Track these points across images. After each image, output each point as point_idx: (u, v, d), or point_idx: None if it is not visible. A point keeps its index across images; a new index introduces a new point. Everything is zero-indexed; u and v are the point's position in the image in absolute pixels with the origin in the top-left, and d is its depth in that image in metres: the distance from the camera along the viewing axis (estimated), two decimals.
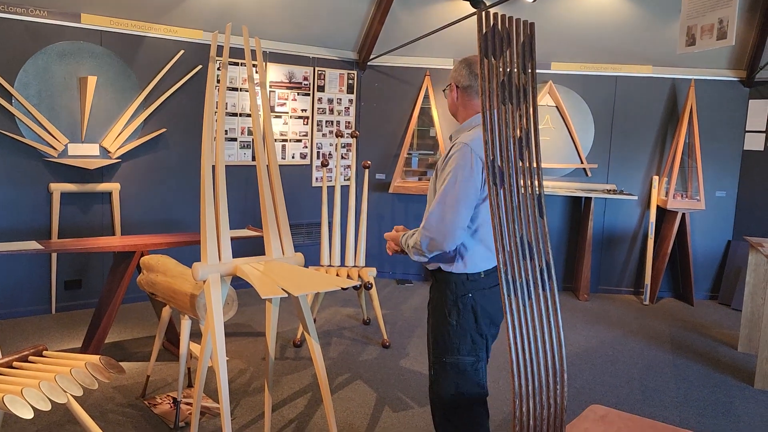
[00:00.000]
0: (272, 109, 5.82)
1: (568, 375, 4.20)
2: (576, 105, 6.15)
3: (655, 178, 6.15)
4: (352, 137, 4.84)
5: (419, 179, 6.40)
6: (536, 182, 1.86)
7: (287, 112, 5.93)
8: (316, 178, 6.20)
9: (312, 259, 6.06)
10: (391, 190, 6.19)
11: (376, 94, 6.36)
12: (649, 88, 6.11)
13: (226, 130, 5.49)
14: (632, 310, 5.78)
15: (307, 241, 6.19)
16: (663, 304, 6.03)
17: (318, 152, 6.18)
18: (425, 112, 6.32)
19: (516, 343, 1.80)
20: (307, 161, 6.13)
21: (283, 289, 2.59)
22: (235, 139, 5.63)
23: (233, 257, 2.83)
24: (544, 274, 1.85)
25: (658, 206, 6.13)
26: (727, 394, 3.96)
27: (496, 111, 1.79)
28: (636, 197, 6.04)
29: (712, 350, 4.77)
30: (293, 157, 6.03)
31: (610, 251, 6.29)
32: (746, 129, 6.07)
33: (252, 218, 5.61)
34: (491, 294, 2.33)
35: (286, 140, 5.95)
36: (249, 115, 5.60)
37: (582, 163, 6.18)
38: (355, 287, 4.86)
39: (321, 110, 6.13)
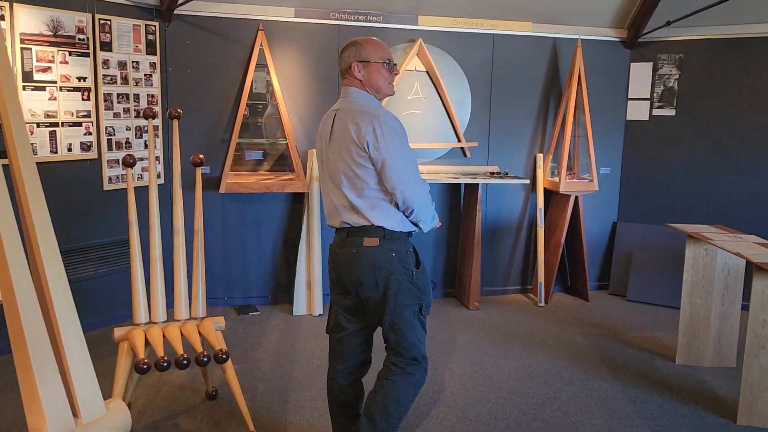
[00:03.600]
0: (28, 77, 3.79)
1: (472, 407, 3.04)
2: (450, 70, 4.97)
3: (539, 156, 5.24)
4: (171, 118, 3.12)
5: (255, 171, 4.79)
6: None
7: (54, 82, 3.93)
8: (111, 178, 4.28)
9: (119, 295, 4.23)
10: (222, 190, 4.49)
11: (189, 55, 4.57)
12: (530, 49, 5.13)
13: None
14: (530, 316, 4.83)
15: (102, 270, 4.29)
16: (558, 303, 5.18)
17: (110, 140, 4.26)
18: (261, 81, 4.70)
19: None
20: (92, 154, 4.18)
21: None
22: None
23: None
24: None
25: (545, 189, 5.23)
26: None
27: None
28: (528, 181, 5.07)
29: (646, 365, 3.93)
30: (70, 150, 4.05)
31: (494, 245, 5.28)
32: (628, 96, 5.39)
33: None
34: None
35: (56, 124, 3.95)
36: None
37: (460, 141, 5.04)
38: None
39: (109, 79, 4.21)
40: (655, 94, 5.27)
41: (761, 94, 4.88)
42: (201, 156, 3.16)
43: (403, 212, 2.37)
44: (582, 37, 5.07)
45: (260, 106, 4.73)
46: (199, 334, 2.93)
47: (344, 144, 2.30)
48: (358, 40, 2.41)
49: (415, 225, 2.43)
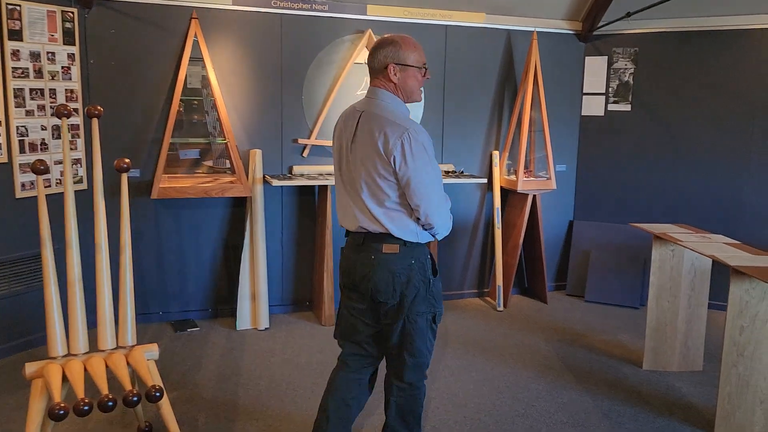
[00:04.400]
0: None
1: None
2: None
3: (495, 153, 5.01)
4: (89, 116, 2.69)
5: (192, 173, 4.38)
6: None
7: None
8: (24, 185, 3.79)
9: (37, 317, 3.77)
10: (155, 195, 4.05)
11: (114, 46, 4.11)
12: (484, 41, 4.90)
13: None
14: (489, 322, 4.60)
15: (17, 288, 3.79)
16: (517, 307, 4.98)
17: (22, 142, 3.76)
18: (197, 75, 4.28)
19: None
20: (2, 158, 3.68)
21: None
22: None
23: None
24: None
25: (502, 188, 5.02)
26: None
27: None
28: (484, 180, 4.83)
29: (613, 372, 3.77)
30: None
31: (450, 247, 5.03)
32: (583, 91, 5.23)
33: None
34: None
35: None
36: None
37: None
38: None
39: (20, 72, 3.71)
40: (610, 89, 5.13)
41: (717, 89, 4.81)
42: (127, 161, 2.74)
43: (423, 226, 2.30)
44: (537, 29, 4.87)
45: (195, 102, 4.32)
46: (128, 365, 2.54)
47: (368, 152, 2.22)
48: (395, 38, 2.26)
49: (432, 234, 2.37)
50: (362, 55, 4.56)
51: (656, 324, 3.74)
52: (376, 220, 2.26)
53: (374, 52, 2.27)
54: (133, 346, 2.66)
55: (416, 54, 2.26)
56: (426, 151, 2.20)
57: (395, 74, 2.24)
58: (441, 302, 2.40)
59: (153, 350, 2.67)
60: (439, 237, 2.37)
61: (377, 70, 2.27)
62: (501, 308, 4.87)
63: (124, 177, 2.76)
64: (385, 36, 2.30)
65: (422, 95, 2.39)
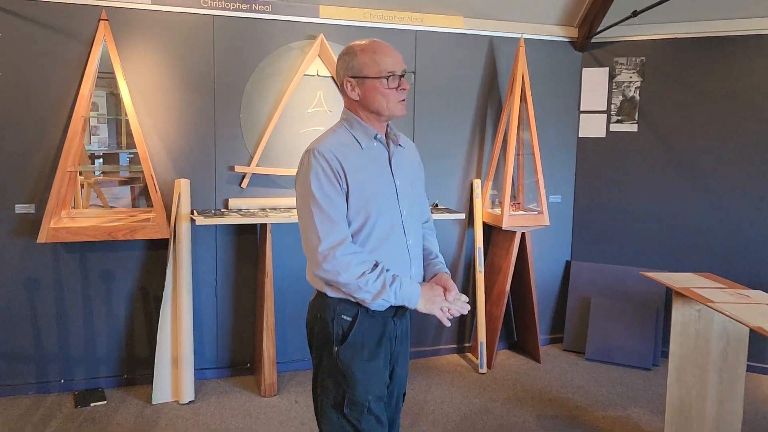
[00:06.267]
0: None
1: None
2: None
3: (476, 182, 4.21)
4: None
5: (107, 206, 3.57)
6: None
7: None
8: None
9: None
10: (42, 238, 3.22)
11: (1, 52, 3.33)
12: (461, 50, 4.12)
13: None
14: (470, 390, 3.76)
15: None
16: (503, 367, 4.13)
17: None
18: (105, 88, 3.50)
19: None
20: None
21: None
22: None
23: None
24: None
25: (484, 224, 4.21)
26: None
27: None
28: (463, 215, 4.01)
29: None
30: None
31: None
32: (580, 108, 4.45)
33: None
34: None
35: None
36: None
37: None
38: None
39: None
40: (612, 106, 4.34)
41: (740, 105, 4.02)
42: None
43: None
44: (525, 35, 4.11)
45: (103, 121, 3.53)
46: None
47: None
48: (351, 47, 1.88)
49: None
50: (315, 65, 3.79)
51: (678, 404, 2.91)
52: None
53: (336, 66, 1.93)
54: None
55: (376, 61, 1.82)
56: (318, 177, 1.77)
57: (353, 90, 1.86)
58: (362, 387, 1.82)
59: None
60: (361, 300, 1.79)
61: (340, 88, 1.91)
62: (484, 370, 4.02)
63: None
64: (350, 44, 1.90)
65: (402, 107, 1.87)
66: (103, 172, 3.70)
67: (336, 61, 1.97)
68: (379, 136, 1.90)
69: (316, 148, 1.80)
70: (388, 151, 1.92)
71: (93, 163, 3.72)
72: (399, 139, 1.97)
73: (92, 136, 3.75)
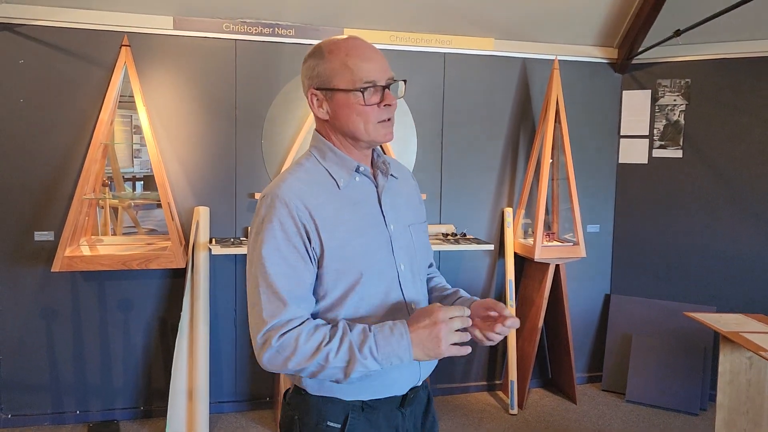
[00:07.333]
0: None
1: None
2: None
3: (508, 210, 4.01)
4: None
5: (126, 234, 3.52)
6: None
7: None
8: None
9: None
10: (56, 267, 3.15)
11: (21, 78, 3.32)
12: (492, 72, 3.95)
13: None
14: (502, 431, 3.53)
15: None
16: (536, 408, 3.88)
17: None
18: (126, 114, 3.45)
19: None
20: None
21: None
22: None
23: None
24: None
25: (516, 255, 3.99)
26: None
27: None
28: (492, 246, 3.81)
29: None
30: None
31: None
32: (620, 133, 4.21)
33: None
34: None
35: None
36: None
37: None
38: None
39: None
40: (655, 130, 4.09)
41: None
42: None
43: None
44: (559, 57, 3.91)
45: (124, 148, 3.48)
46: None
47: None
48: (320, 47, 1.38)
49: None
50: None
51: None
52: None
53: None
54: None
55: (349, 67, 1.33)
56: (275, 236, 1.30)
57: (320, 106, 1.38)
58: None
59: None
60: (336, 382, 1.33)
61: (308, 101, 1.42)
62: (515, 410, 3.79)
63: None
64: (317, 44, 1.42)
65: (387, 131, 1.37)
66: (119, 198, 3.65)
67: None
68: (362, 169, 1.40)
69: (275, 192, 1.32)
70: (377, 187, 1.43)
71: (134, 185, 3.72)
72: (390, 167, 1.47)
73: (134, 159, 3.75)
